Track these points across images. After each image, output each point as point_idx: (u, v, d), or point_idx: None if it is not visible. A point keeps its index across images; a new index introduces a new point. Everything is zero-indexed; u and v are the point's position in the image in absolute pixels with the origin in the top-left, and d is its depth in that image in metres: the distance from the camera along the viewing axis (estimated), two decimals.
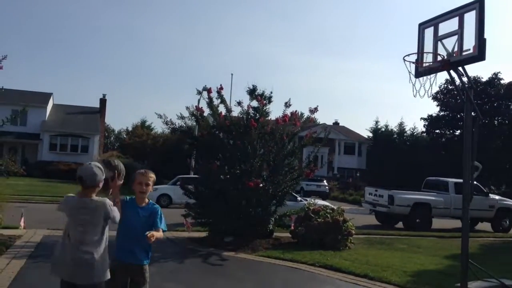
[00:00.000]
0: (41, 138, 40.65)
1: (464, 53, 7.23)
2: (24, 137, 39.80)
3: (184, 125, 13.08)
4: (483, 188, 19.73)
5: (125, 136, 66.05)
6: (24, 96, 38.45)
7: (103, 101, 47.53)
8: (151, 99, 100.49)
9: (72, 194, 3.98)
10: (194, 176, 15.25)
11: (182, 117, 12.74)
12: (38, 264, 8.26)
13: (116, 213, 3.86)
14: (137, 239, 4.21)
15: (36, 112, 39.71)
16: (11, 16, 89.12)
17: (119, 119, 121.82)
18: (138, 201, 4.36)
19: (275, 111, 12.99)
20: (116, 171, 3.97)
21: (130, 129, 67.02)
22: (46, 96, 43.64)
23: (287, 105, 12.68)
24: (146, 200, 4.41)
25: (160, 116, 12.60)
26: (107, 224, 3.89)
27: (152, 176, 4.45)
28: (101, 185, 3.85)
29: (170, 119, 12.69)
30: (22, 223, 11.95)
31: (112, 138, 76.65)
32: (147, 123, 65.45)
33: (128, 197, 4.38)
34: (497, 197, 20.68)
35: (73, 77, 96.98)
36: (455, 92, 39.17)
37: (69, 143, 41.50)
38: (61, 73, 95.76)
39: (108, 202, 3.85)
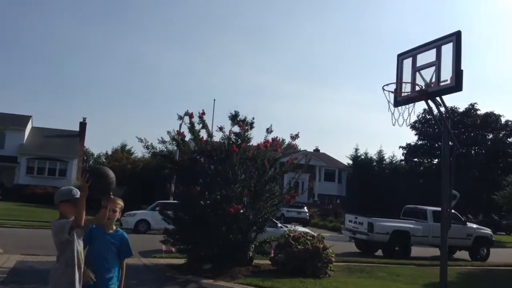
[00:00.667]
0: (18, 162, 39.95)
1: (441, 84, 7.41)
2: (1, 160, 39.10)
3: (165, 149, 13.00)
4: (461, 217, 19.94)
5: (104, 160, 65.31)
6: (3, 119, 37.93)
7: (83, 125, 47.12)
8: (132, 123, 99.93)
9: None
10: (173, 201, 15.10)
11: (163, 142, 12.63)
12: None
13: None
14: (107, 265, 4.25)
15: (15, 134, 39.17)
16: None
17: (99, 143, 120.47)
18: (105, 227, 4.35)
19: (256, 137, 13.08)
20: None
21: (109, 153, 66.39)
22: (25, 119, 43.09)
23: (269, 131, 12.74)
24: (114, 227, 4.43)
25: (140, 140, 12.50)
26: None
27: (120, 203, 4.48)
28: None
29: (151, 143, 12.59)
30: None
31: (91, 162, 75.70)
32: (127, 147, 65.00)
33: (95, 225, 4.30)
34: (474, 225, 20.91)
35: (53, 100, 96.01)
36: (433, 122, 39.93)
37: (47, 167, 40.85)
38: (41, 95, 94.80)
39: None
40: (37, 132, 43.87)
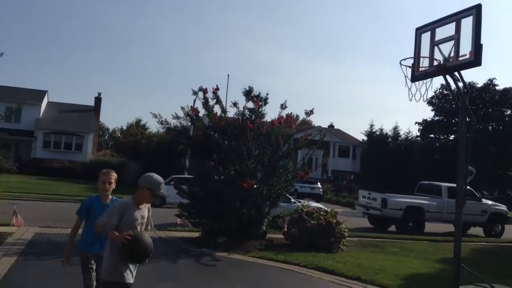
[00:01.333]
0: (35, 136, 40.43)
1: (460, 58, 7.26)
2: (18, 134, 39.57)
3: (179, 125, 13.04)
4: (476, 193, 19.81)
5: (119, 135, 65.82)
6: (19, 93, 38.20)
7: (98, 100, 47.36)
8: (147, 98, 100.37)
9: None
10: (188, 176, 15.21)
11: (177, 117, 12.66)
12: (29, 262, 8.22)
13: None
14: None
15: (31, 109, 39.50)
16: (7, 13, 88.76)
17: (114, 118, 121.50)
18: (102, 198, 4.98)
19: (270, 113, 13.01)
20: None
21: (124, 128, 66.81)
22: (41, 94, 43.43)
23: (283, 107, 12.69)
24: (110, 197, 5.01)
25: (155, 116, 12.57)
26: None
27: (114, 175, 5.04)
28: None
29: (165, 119, 12.65)
30: (15, 220, 11.85)
31: (106, 137, 76.39)
32: (142, 123, 65.26)
33: (94, 195, 5.11)
34: (489, 202, 20.76)
35: (69, 75, 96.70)
36: (451, 97, 39.34)
37: (63, 141, 41.27)
38: (56, 70, 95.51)
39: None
40: (53, 107, 44.23)
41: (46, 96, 44.20)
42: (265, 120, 12.67)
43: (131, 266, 4.20)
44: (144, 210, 4.41)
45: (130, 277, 4.18)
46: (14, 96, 35.23)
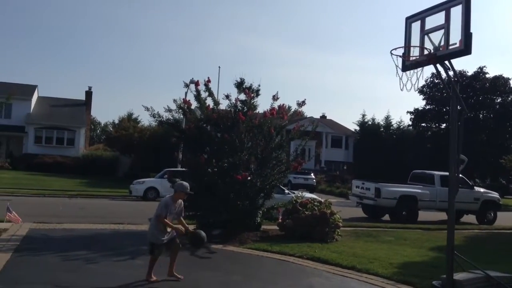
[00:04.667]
0: (26, 131, 40.15)
1: (450, 47, 7.27)
2: (9, 129, 39.30)
3: (171, 118, 13.01)
4: (468, 181, 19.96)
5: (111, 129, 65.48)
6: (9, 88, 37.79)
7: (88, 94, 47.04)
8: (138, 91, 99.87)
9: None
10: (181, 169, 15.20)
11: (169, 110, 12.62)
12: (24, 258, 8.21)
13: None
14: None
15: (21, 104, 39.22)
16: None
17: (105, 112, 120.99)
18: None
19: (262, 104, 13.01)
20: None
21: (116, 122, 66.46)
22: (31, 88, 43.06)
23: (275, 98, 12.69)
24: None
25: (147, 109, 12.53)
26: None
27: None
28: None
29: (157, 112, 12.61)
30: (9, 217, 11.81)
31: (98, 131, 76.01)
32: (134, 116, 64.96)
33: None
34: (482, 189, 20.94)
35: (58, 69, 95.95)
36: (441, 86, 39.48)
37: (55, 136, 41.04)
38: (46, 65, 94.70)
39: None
40: (43, 102, 43.90)
41: (36, 91, 43.86)
42: (257, 111, 12.67)
43: (164, 235, 6.99)
44: (178, 204, 7.11)
45: (162, 239, 6.99)
46: (3, 91, 34.91)
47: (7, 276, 6.91)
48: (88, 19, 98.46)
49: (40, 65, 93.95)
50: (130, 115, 65.63)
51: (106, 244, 9.99)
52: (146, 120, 72.55)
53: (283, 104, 12.84)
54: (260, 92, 12.57)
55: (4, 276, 6.89)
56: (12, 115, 39.34)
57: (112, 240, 10.65)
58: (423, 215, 18.97)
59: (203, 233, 7.16)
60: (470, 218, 19.66)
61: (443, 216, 18.43)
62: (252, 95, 12.35)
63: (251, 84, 12.51)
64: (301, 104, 12.86)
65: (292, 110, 14.18)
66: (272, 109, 12.42)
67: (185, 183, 7.15)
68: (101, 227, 12.19)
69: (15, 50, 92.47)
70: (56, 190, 23.66)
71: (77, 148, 40.80)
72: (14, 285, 6.55)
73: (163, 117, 12.77)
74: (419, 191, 18.65)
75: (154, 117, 12.78)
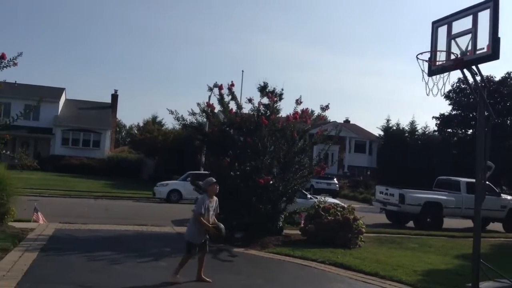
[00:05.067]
0: (53, 133, 41.01)
1: (477, 52, 7.18)
2: (37, 131, 40.17)
3: (195, 121, 13.12)
4: (495, 188, 19.56)
5: (136, 131, 66.27)
6: (37, 91, 38.73)
7: (114, 97, 47.82)
8: (163, 95, 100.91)
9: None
10: (204, 172, 15.30)
11: (193, 113, 12.72)
12: (50, 257, 8.36)
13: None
14: None
15: (49, 107, 40.05)
16: (25, 11, 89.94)
17: (130, 115, 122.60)
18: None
19: (286, 108, 13.00)
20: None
21: (141, 124, 67.23)
22: (58, 91, 43.98)
23: (298, 102, 12.67)
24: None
25: (171, 112, 12.65)
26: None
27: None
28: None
29: (181, 115, 12.73)
30: (36, 217, 12.07)
31: (123, 134, 77.03)
32: (158, 119, 65.60)
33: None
34: (509, 197, 20.49)
35: (85, 73, 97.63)
36: (468, 91, 38.83)
37: (81, 138, 41.81)
38: (73, 68, 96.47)
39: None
40: (70, 104, 44.79)
41: (64, 94, 44.77)
42: (280, 115, 12.68)
43: (204, 236, 7.35)
44: (214, 201, 7.39)
45: (201, 240, 7.33)
46: (32, 94, 35.75)
47: (33, 275, 7.05)
48: (115, 24, 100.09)
49: (68, 69, 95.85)
50: (154, 118, 66.28)
51: (130, 245, 10.11)
52: (170, 123, 73.33)
53: (307, 108, 12.81)
54: (283, 96, 12.58)
55: (30, 275, 7.03)
56: (40, 117, 40.22)
57: (136, 241, 10.77)
58: (448, 222, 18.66)
59: (221, 225, 7.41)
60: (497, 226, 19.26)
61: (468, 223, 18.10)
62: (275, 99, 12.36)
63: (274, 88, 12.54)
64: (325, 108, 12.82)
65: (315, 115, 14.14)
66: (295, 113, 12.40)
67: (209, 178, 7.71)
68: (125, 228, 12.34)
69: (43, 54, 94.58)
70: (82, 191, 24.08)
71: (103, 150, 41.46)
72: (39, 285, 6.68)
73: (187, 121, 12.88)
74: (444, 197, 18.36)
75: (178, 121, 12.90)
